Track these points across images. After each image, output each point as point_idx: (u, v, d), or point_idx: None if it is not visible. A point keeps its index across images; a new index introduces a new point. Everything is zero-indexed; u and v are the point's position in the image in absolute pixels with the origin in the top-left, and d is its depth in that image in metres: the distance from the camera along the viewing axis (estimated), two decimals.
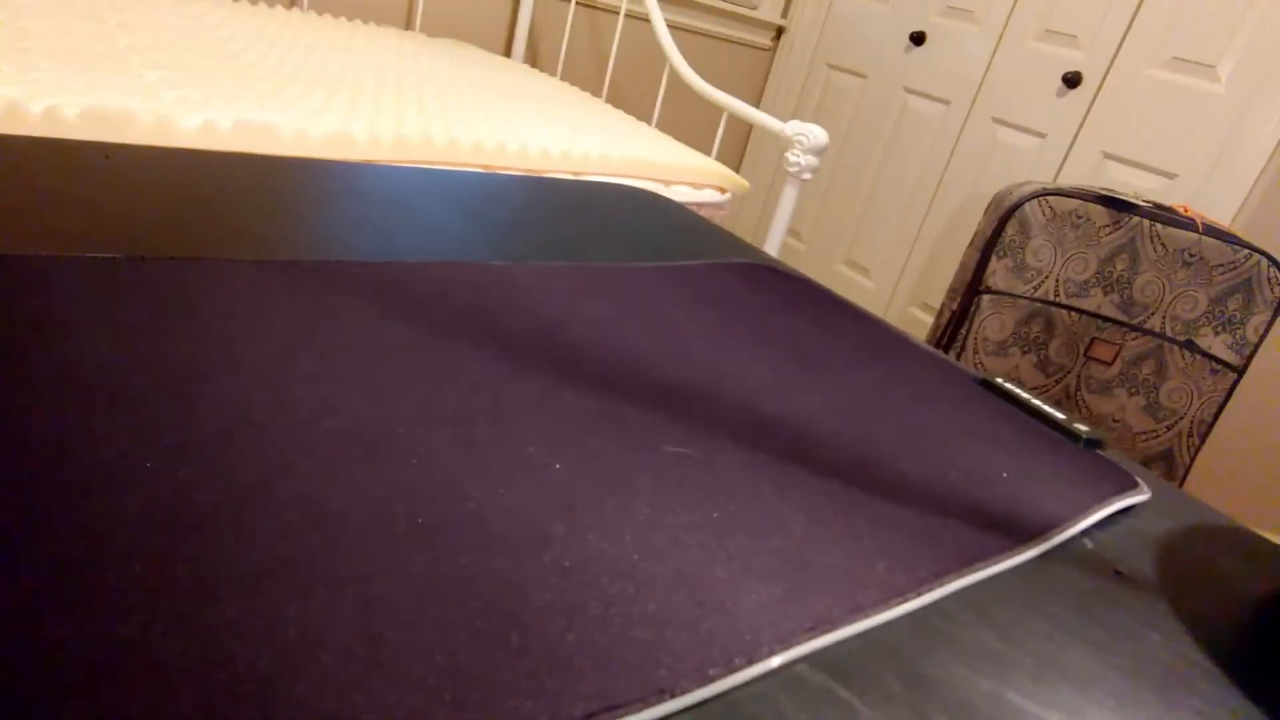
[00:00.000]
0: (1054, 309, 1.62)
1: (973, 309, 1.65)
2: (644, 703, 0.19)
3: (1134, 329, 1.59)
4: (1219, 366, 1.56)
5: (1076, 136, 1.92)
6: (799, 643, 0.22)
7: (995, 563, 0.28)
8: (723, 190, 1.47)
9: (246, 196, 0.42)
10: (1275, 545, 0.36)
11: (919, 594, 0.26)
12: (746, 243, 0.60)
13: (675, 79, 1.91)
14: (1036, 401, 0.43)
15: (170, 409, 0.24)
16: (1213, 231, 1.52)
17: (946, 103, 2.22)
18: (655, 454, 0.29)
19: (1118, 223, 1.55)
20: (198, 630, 0.18)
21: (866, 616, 0.24)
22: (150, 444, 0.22)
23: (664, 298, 0.43)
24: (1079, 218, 1.57)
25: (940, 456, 0.35)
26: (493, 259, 0.42)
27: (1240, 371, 1.57)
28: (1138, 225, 1.54)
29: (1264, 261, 1.51)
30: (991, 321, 1.64)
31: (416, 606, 0.20)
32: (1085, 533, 0.32)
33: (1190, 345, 1.57)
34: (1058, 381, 1.65)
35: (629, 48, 2.29)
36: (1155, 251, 1.54)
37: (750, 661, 0.21)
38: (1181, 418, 1.60)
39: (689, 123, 2.27)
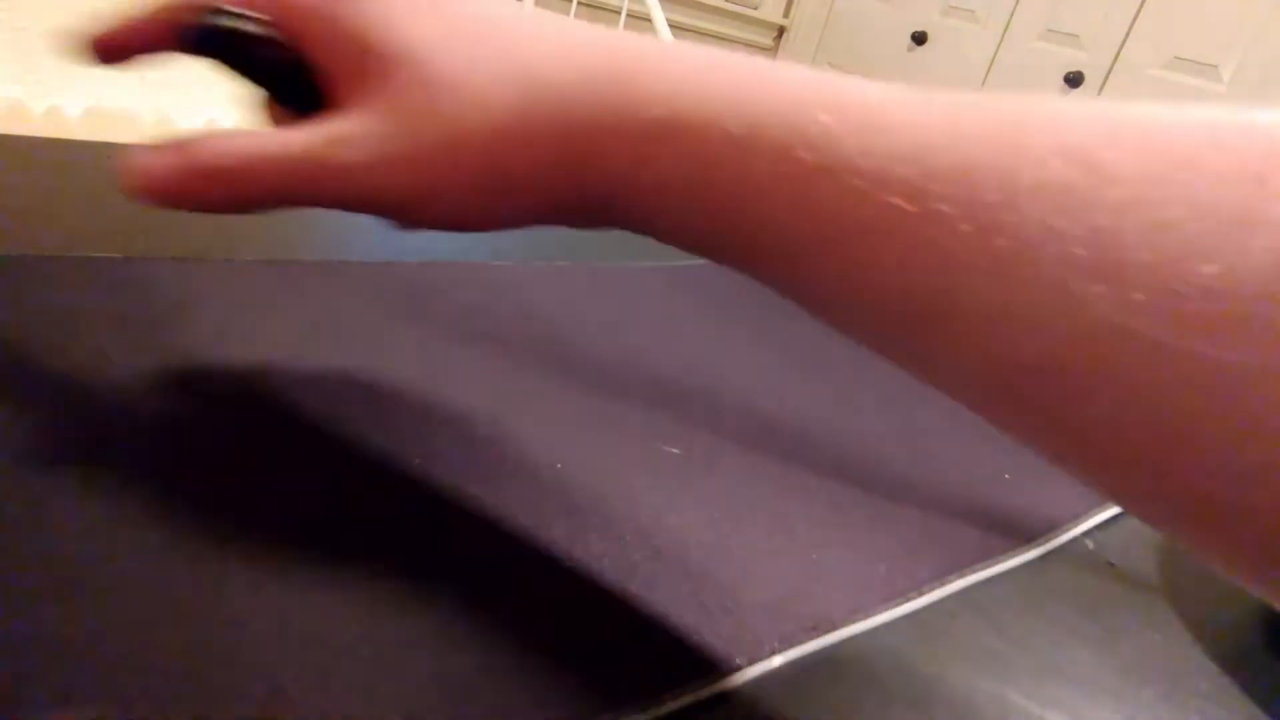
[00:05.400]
0: None
1: None
2: (646, 702, 0.19)
3: None
4: None
5: None
6: (800, 643, 0.22)
7: (997, 563, 0.28)
8: None
9: None
10: None
11: (920, 594, 0.26)
12: None
13: None
14: None
15: (172, 409, 0.24)
16: None
17: None
18: (657, 454, 0.29)
19: None
20: (199, 629, 0.18)
21: (868, 617, 0.24)
22: (152, 443, 0.22)
23: (666, 298, 0.43)
24: None
25: (942, 456, 0.35)
26: (494, 259, 0.42)
27: None
28: None
29: None
30: None
31: (418, 606, 0.20)
32: (1087, 533, 0.32)
33: None
34: None
35: None
36: None
37: (752, 661, 0.21)
38: None
39: None
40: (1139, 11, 1.79)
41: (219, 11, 0.18)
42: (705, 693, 0.20)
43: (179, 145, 0.19)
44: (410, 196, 0.19)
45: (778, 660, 0.22)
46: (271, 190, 0.19)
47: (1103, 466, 0.15)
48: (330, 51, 0.19)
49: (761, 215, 0.17)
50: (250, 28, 0.18)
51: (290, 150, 0.19)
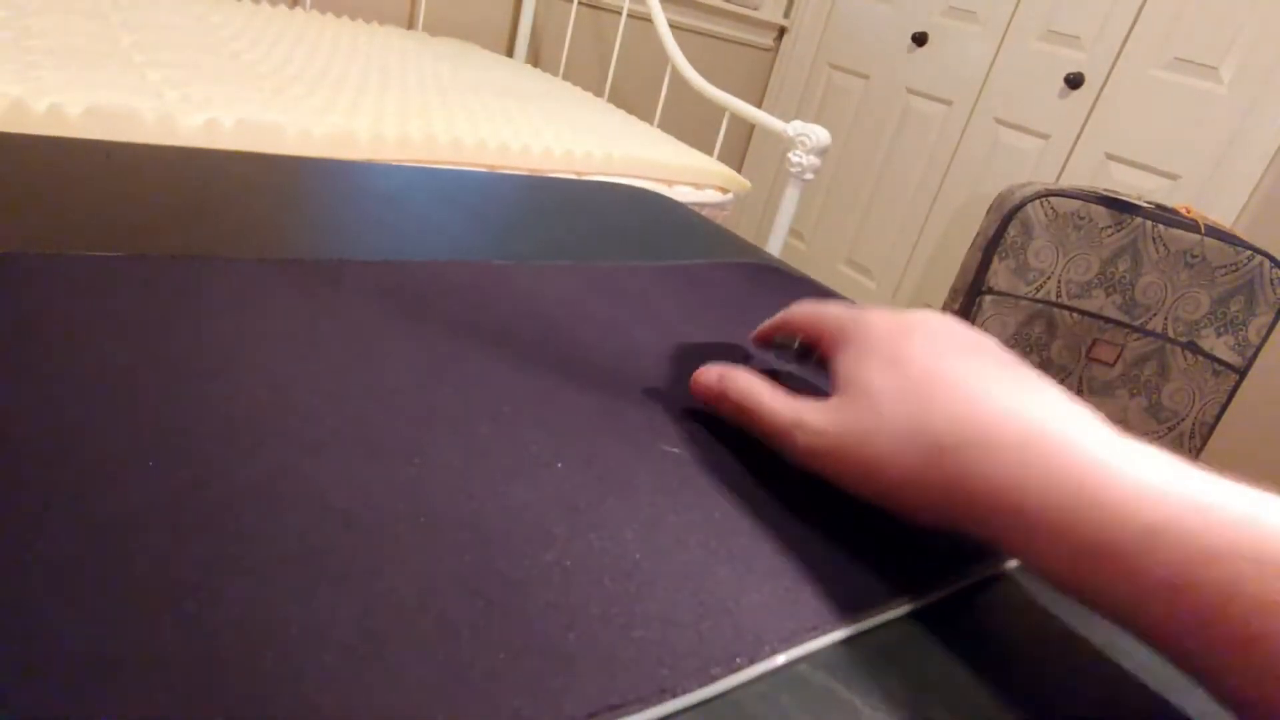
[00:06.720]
0: (1056, 310, 1.61)
1: (974, 310, 1.65)
2: (646, 702, 0.19)
3: (1136, 330, 1.59)
4: (1221, 368, 1.56)
5: (1079, 137, 1.92)
6: (801, 642, 0.22)
7: (998, 563, 0.28)
8: (724, 190, 1.47)
9: (249, 195, 0.42)
10: None
11: (922, 594, 0.26)
12: (748, 243, 0.60)
13: (677, 79, 1.91)
14: None
15: (172, 408, 0.24)
16: (1215, 232, 1.52)
17: (948, 103, 2.22)
18: (657, 453, 0.29)
19: (1120, 224, 1.55)
20: (199, 629, 0.18)
21: (869, 616, 0.24)
22: (152, 443, 0.22)
23: (666, 298, 0.43)
24: (1081, 219, 1.57)
25: None
26: (494, 258, 0.42)
27: (1242, 373, 1.57)
28: (1140, 226, 1.54)
29: (1266, 263, 1.51)
30: (993, 323, 1.64)
31: (418, 605, 0.20)
32: None
33: (1192, 346, 1.57)
34: (1060, 382, 1.64)
35: (631, 48, 2.29)
36: (1157, 252, 1.54)
37: (752, 661, 0.21)
38: (1183, 419, 1.60)
39: (691, 123, 2.28)
40: (1140, 12, 1.80)
41: (786, 347, 0.36)
42: (707, 692, 0.20)
43: (723, 372, 0.31)
44: (813, 466, 0.28)
45: (780, 660, 0.22)
46: (751, 425, 0.30)
47: None
48: (834, 376, 0.29)
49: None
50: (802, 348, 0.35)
51: (776, 409, 0.29)
